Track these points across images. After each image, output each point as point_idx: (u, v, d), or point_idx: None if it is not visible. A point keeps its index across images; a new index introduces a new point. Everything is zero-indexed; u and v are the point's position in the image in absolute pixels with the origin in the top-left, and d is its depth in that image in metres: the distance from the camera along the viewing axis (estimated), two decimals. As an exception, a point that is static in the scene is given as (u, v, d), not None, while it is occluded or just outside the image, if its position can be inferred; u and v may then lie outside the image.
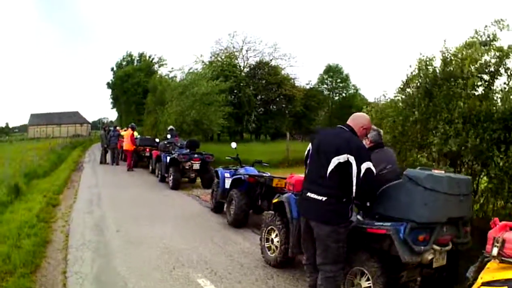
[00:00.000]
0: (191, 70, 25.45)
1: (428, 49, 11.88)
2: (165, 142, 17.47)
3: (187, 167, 14.81)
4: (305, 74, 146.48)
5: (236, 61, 50.58)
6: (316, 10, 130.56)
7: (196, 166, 14.77)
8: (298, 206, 5.37)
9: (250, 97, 46.08)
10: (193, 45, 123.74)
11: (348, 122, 4.75)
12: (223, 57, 49.06)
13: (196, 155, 14.86)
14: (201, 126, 23.52)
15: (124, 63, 51.64)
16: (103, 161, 23.99)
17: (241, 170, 10.02)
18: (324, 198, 4.42)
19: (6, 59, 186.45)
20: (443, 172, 4.74)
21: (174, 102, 24.00)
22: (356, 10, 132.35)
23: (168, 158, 15.71)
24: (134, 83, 42.93)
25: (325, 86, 63.77)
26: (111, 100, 56.49)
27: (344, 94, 63.28)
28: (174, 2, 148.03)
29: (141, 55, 51.12)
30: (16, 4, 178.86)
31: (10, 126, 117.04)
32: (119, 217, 9.93)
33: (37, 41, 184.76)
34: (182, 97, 22.85)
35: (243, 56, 54.30)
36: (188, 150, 15.18)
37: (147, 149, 21.42)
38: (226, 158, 12.07)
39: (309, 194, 4.57)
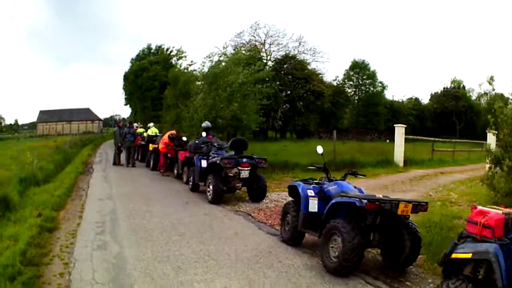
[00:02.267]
0: (221, 58, 21.70)
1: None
2: (196, 141, 13.87)
3: (231, 175, 11.14)
4: (330, 70, 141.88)
5: (260, 55, 46.77)
6: (342, 3, 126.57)
7: (245, 173, 11.11)
8: None
9: (277, 93, 42.30)
10: (211, 38, 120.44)
11: None
12: (244, 51, 45.31)
13: (245, 160, 11.20)
14: (237, 123, 19.75)
15: (143, 55, 48.09)
16: (116, 162, 20.60)
17: (332, 186, 6.99)
18: None
19: (16, 56, 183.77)
20: None
21: (202, 95, 20.28)
22: (384, 4, 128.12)
23: (204, 162, 12.26)
24: (150, 77, 39.33)
25: (351, 82, 60.25)
26: (124, 96, 52.91)
27: (370, 91, 59.54)
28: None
29: (158, 48, 47.53)
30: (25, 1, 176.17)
31: (20, 123, 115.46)
32: (147, 259, 6.27)
33: (49, 36, 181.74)
34: (214, 88, 19.15)
35: (265, 50, 50.61)
36: (232, 153, 11.53)
37: (172, 150, 17.86)
38: (309, 168, 8.32)
39: None
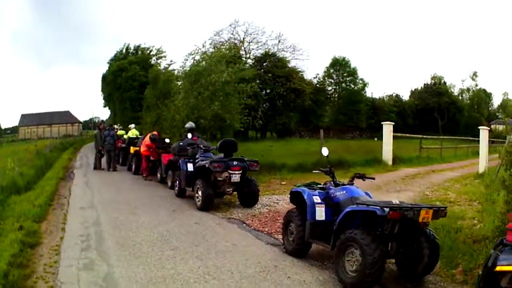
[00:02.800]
0: (203, 56, 21.04)
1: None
2: (181, 143, 13.27)
3: (221, 179, 10.51)
4: (310, 68, 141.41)
5: (239, 53, 46.23)
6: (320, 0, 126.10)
7: (236, 177, 10.49)
8: None
9: (257, 91, 41.76)
10: (190, 37, 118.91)
11: None
12: (224, 49, 44.61)
13: (235, 163, 10.57)
14: (220, 123, 19.16)
15: (121, 56, 47.17)
16: (97, 166, 19.84)
17: (340, 191, 6.38)
18: None
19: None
20: None
21: (183, 94, 19.62)
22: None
23: (191, 165, 11.64)
24: (129, 77, 38.52)
25: (331, 80, 60.03)
26: (103, 97, 51.93)
27: (351, 88, 59.32)
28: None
29: (137, 48, 46.67)
30: (8, 2, 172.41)
31: (3, 127, 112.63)
32: (141, 281, 5.63)
33: (31, 39, 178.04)
34: (196, 87, 18.51)
35: (244, 48, 50.10)
36: (221, 155, 10.93)
37: (153, 152, 17.18)
38: (315, 172, 7.71)
39: None
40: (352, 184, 6.63)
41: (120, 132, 23.55)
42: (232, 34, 49.53)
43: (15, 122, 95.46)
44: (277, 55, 49.19)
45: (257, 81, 43.44)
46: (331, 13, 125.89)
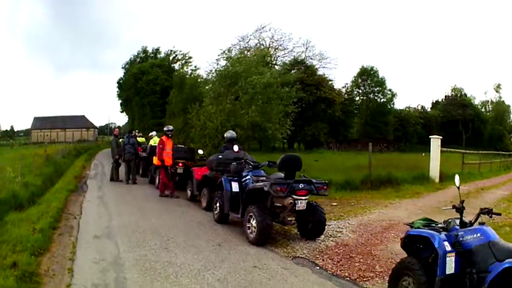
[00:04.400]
0: (240, 55, 18.63)
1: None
2: (220, 156, 10.83)
3: (280, 205, 7.98)
4: (338, 77, 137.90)
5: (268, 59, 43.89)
6: (350, 7, 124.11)
7: (302, 204, 7.95)
8: None
9: (303, 97, 39.28)
10: (211, 44, 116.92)
11: None
12: (249, 54, 42.24)
13: (301, 185, 7.96)
14: (260, 133, 16.52)
15: (138, 59, 45.06)
16: (114, 178, 17.40)
17: (472, 235, 4.66)
18: None
19: (13, 61, 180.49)
20: None
21: (213, 99, 17.13)
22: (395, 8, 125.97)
23: (236, 185, 9.21)
24: (150, 81, 36.21)
25: (359, 90, 57.68)
26: (120, 102, 49.83)
27: (379, 99, 57.02)
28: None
29: (156, 51, 44.56)
30: (24, 6, 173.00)
31: (16, 129, 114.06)
32: None
33: (46, 43, 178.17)
34: (233, 90, 15.98)
35: (271, 54, 47.70)
36: (281, 175, 8.42)
37: (180, 164, 14.72)
38: (444, 209, 5.68)
39: None
40: (483, 223, 4.81)
41: (140, 139, 21.24)
42: (258, 40, 47.21)
43: (29, 125, 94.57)
44: (306, 62, 46.79)
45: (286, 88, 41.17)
46: (355, 22, 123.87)
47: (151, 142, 18.61)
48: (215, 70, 18.76)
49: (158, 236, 8.19)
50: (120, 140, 18.26)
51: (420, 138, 59.00)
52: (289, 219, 8.20)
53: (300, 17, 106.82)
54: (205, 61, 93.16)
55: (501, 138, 64.09)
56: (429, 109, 69.10)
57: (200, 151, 13.45)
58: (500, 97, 71.34)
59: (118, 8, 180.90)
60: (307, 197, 8.08)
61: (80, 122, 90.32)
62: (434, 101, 72.00)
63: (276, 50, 47.88)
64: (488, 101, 72.23)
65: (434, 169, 19.03)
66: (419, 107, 67.75)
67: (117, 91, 48.29)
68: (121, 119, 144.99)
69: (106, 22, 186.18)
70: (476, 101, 71.27)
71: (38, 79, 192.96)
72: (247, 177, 9.03)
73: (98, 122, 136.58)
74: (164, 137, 13.90)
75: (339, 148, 47.95)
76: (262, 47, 46.73)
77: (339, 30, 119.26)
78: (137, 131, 27.08)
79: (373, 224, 9.83)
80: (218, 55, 19.49)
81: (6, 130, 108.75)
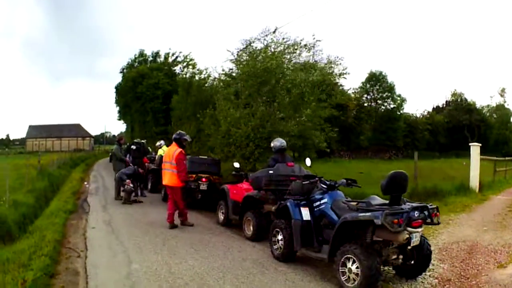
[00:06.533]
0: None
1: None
2: (271, 171, 8.27)
3: (385, 241, 5.54)
4: (346, 82, 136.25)
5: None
6: (359, 11, 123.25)
7: (417, 239, 5.65)
8: None
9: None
10: (208, 51, 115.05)
11: None
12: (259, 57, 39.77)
13: (417, 213, 5.59)
14: (304, 141, 14.04)
15: (135, 63, 42.34)
16: (119, 196, 14.45)
17: None
18: None
19: (9, 69, 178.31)
20: None
21: (243, 100, 14.50)
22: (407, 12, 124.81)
23: (306, 212, 6.75)
24: (151, 85, 33.49)
25: (368, 96, 55.49)
26: (118, 109, 46.84)
27: (388, 105, 55.13)
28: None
29: (156, 54, 41.87)
30: (22, 13, 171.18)
31: (11, 138, 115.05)
32: None
33: (42, 49, 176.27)
34: (266, 90, 13.39)
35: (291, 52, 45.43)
36: (379, 199, 6.16)
37: (203, 179, 12.17)
38: None
39: None
40: None
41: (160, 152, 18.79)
42: (262, 43, 44.78)
43: (24, 134, 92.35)
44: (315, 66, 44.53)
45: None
46: (370, 25, 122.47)
47: (160, 153, 15.98)
48: (238, 68, 16.16)
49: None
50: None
51: (428, 144, 57.06)
52: (394, 257, 5.86)
53: (307, 21, 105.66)
54: (205, 66, 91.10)
55: (507, 143, 62.15)
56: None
57: (236, 164, 10.77)
58: (505, 101, 69.99)
59: (116, 16, 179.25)
60: (422, 229, 5.71)
61: (76, 130, 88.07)
62: (435, 107, 71.01)
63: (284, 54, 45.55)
64: (494, 106, 70.74)
65: (474, 179, 17.46)
66: (426, 113, 66.22)
67: (115, 98, 45.53)
68: (117, 128, 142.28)
69: (103, 29, 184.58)
70: (477, 106, 69.80)
71: (34, 87, 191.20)
72: (322, 201, 6.54)
73: (94, 131, 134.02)
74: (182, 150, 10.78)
75: (350, 157, 45.47)
76: (269, 53, 44.37)
77: (341, 34, 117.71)
78: (140, 139, 24.62)
79: (452, 248, 8.02)
80: (239, 50, 16.92)
81: (2, 139, 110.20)
